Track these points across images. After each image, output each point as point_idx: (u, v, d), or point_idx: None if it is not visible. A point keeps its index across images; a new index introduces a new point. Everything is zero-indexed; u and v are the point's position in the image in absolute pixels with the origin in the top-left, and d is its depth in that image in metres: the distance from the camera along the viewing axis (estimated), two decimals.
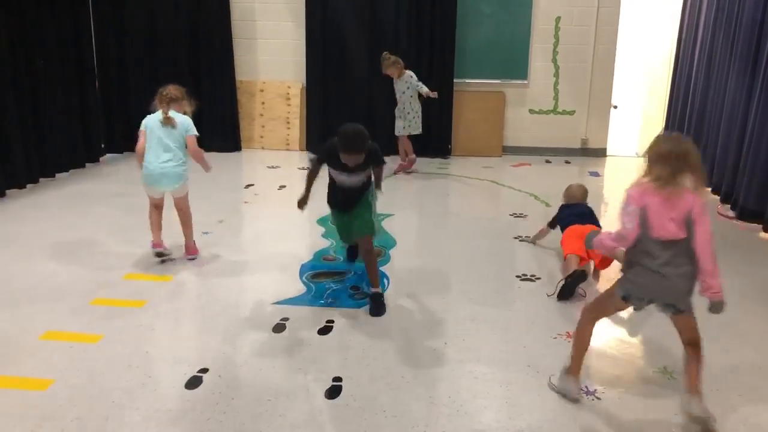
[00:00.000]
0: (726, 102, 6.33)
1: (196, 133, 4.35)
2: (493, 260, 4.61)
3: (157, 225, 4.41)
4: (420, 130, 7.36)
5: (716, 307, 2.57)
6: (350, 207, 3.85)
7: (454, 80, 8.28)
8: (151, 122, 4.26)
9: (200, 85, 8.40)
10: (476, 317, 3.65)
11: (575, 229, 4.32)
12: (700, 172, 2.52)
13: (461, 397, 2.85)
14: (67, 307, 3.70)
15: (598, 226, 4.37)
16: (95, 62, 7.66)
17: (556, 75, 8.38)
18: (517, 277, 4.27)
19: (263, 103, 8.65)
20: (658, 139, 2.65)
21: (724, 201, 6.12)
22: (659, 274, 2.54)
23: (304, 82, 8.48)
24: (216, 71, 8.32)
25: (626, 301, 2.69)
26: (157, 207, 4.42)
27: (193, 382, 2.92)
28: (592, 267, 4.29)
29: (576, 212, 4.54)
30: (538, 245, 4.88)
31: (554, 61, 8.34)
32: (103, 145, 7.86)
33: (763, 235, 5.22)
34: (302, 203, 3.95)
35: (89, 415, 2.67)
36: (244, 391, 2.88)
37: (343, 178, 3.71)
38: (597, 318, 2.85)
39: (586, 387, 2.93)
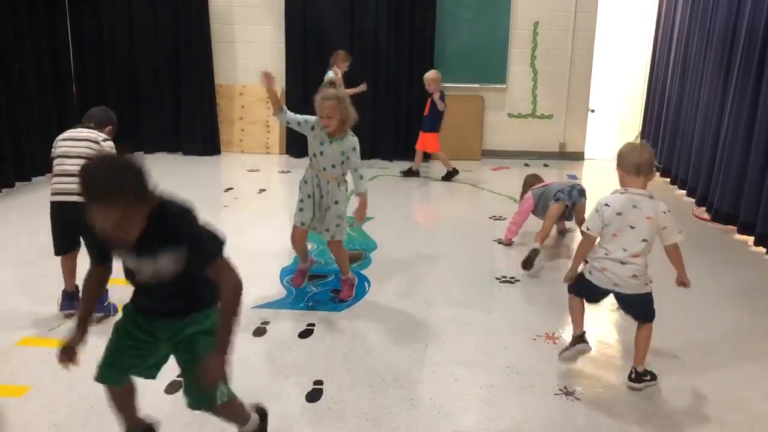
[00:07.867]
0: (700, 106, 6.44)
1: None
2: (473, 262, 4.64)
3: None
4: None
5: None
6: (163, 316, 2.21)
7: None
8: None
9: (179, 89, 8.35)
10: (457, 319, 3.67)
11: None
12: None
13: (442, 399, 2.86)
14: (45, 313, 3.65)
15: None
16: (72, 67, 7.57)
17: (535, 79, 8.46)
18: (497, 279, 4.30)
19: (243, 106, 8.61)
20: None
21: (699, 203, 6.20)
22: None
23: (284, 85, 8.47)
24: (195, 75, 8.26)
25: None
26: None
27: (174, 387, 2.90)
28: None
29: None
30: (517, 246, 4.93)
31: (532, 65, 8.41)
32: None
33: (737, 236, 5.31)
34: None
35: (67, 422, 2.64)
36: None
37: (130, 265, 2.14)
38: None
39: (566, 387, 2.96)
